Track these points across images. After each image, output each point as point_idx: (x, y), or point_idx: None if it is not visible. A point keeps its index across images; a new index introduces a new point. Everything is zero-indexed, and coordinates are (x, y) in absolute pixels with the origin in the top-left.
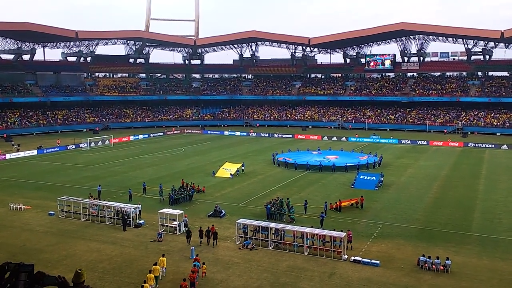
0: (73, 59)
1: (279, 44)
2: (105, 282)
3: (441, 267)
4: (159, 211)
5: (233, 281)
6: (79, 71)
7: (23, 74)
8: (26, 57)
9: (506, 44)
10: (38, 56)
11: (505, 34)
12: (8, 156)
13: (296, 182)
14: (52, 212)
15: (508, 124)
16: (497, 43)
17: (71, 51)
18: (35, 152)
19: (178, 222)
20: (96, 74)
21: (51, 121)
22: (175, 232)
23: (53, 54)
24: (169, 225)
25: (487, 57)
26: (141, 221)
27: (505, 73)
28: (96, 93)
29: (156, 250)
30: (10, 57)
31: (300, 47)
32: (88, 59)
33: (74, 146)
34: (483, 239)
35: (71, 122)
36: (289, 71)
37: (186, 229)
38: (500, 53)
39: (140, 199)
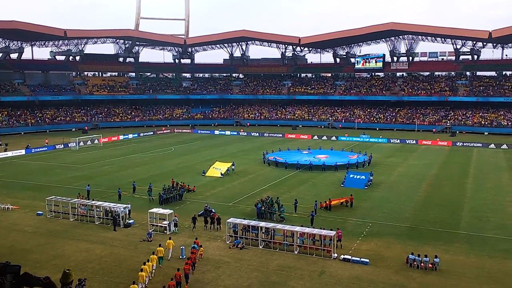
0: (62, 58)
1: (269, 43)
2: (95, 282)
3: (430, 265)
4: (149, 210)
5: (223, 281)
6: (68, 70)
7: (11, 73)
8: (14, 55)
9: (494, 44)
10: (26, 55)
11: (493, 34)
12: None
13: (286, 181)
14: (40, 212)
15: (496, 124)
16: (485, 43)
17: (60, 50)
18: (23, 151)
19: (168, 222)
20: (85, 73)
21: (40, 120)
22: (165, 231)
23: (42, 52)
24: (159, 224)
25: (475, 57)
26: (131, 221)
27: (493, 73)
28: (85, 92)
29: (145, 250)
30: None
31: (291, 46)
32: (77, 58)
33: (62, 146)
34: (471, 237)
35: (59, 121)
36: (280, 70)
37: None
38: (488, 53)
39: (130, 198)
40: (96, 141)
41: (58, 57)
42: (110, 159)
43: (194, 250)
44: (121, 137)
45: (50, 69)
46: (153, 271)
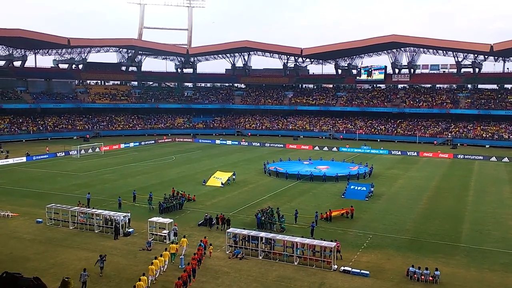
0: (65, 66)
1: (271, 54)
2: None
3: (430, 278)
4: (149, 219)
5: None
6: (70, 78)
7: (13, 80)
8: (17, 63)
9: (495, 58)
10: (29, 62)
11: (495, 48)
12: None
13: (287, 191)
14: (40, 220)
15: (497, 137)
16: (486, 56)
17: (63, 58)
18: (24, 159)
19: (168, 231)
20: (88, 81)
21: (41, 128)
22: (165, 241)
23: (45, 61)
24: (159, 233)
25: (477, 70)
26: (130, 230)
27: (494, 86)
28: (87, 101)
29: (145, 259)
30: (1, 63)
31: (293, 57)
32: (80, 66)
33: (64, 154)
34: (472, 250)
35: (61, 129)
36: (281, 81)
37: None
38: (490, 66)
39: (130, 207)
40: (97, 149)
41: (61, 65)
42: (111, 168)
43: (200, 247)
44: (122, 145)
45: (53, 77)
46: (165, 266)
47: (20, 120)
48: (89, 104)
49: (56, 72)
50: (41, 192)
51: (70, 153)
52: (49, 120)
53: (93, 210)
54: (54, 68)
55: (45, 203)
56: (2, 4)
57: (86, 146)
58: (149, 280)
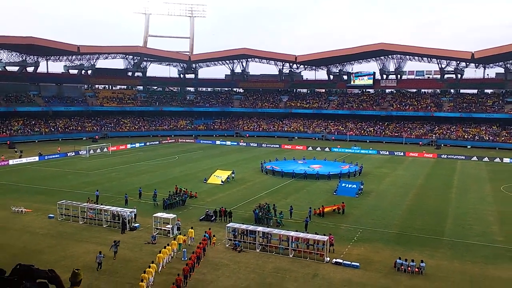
0: (75, 71)
1: (268, 60)
2: (101, 282)
3: (416, 269)
4: (154, 215)
5: (222, 282)
6: (80, 83)
7: (27, 85)
8: (30, 69)
9: (476, 64)
10: (42, 68)
11: (476, 55)
12: (11, 162)
13: (282, 189)
14: (51, 215)
15: (478, 138)
16: (468, 63)
17: (73, 64)
18: (36, 158)
19: (171, 226)
20: (96, 86)
21: (53, 129)
22: (168, 235)
23: (56, 66)
24: (163, 228)
25: (459, 76)
26: (136, 224)
27: (475, 91)
28: (96, 104)
29: (150, 252)
30: (15, 69)
31: (287, 64)
32: (89, 72)
33: (74, 153)
34: (455, 243)
35: (71, 130)
36: (277, 86)
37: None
38: (471, 72)
39: (136, 203)
40: (105, 150)
41: (71, 71)
42: (118, 166)
43: (205, 238)
44: (129, 146)
45: (64, 82)
46: (174, 254)
47: (33, 122)
48: (97, 107)
49: (66, 77)
50: (53, 189)
51: (80, 153)
52: (60, 122)
53: (102, 206)
54: (65, 73)
55: (56, 199)
56: (18, 14)
57: (95, 146)
58: (159, 267)
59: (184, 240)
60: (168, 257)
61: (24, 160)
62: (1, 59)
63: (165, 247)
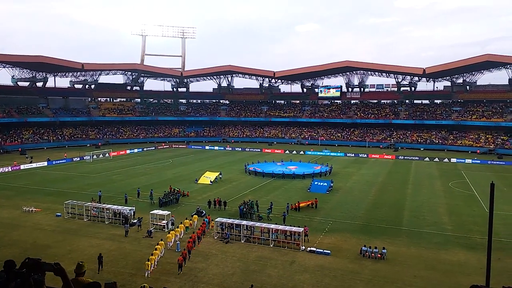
0: (80, 86)
1: (250, 76)
2: (104, 272)
3: (379, 255)
4: (150, 212)
5: (211, 270)
6: (84, 96)
7: (36, 98)
8: (39, 84)
9: (427, 78)
10: (50, 83)
11: (427, 71)
12: (22, 166)
13: (263, 187)
14: (59, 214)
15: (429, 141)
16: (420, 78)
17: (78, 79)
18: (45, 163)
19: (166, 221)
20: (99, 98)
21: (60, 137)
22: (164, 229)
23: (63, 81)
24: (159, 223)
25: (413, 88)
26: (135, 221)
27: (427, 101)
28: (98, 115)
29: (147, 245)
30: (26, 84)
31: (267, 78)
32: (92, 86)
33: (79, 158)
34: (411, 232)
35: (76, 138)
36: (258, 98)
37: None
38: (423, 85)
39: (134, 202)
40: (107, 155)
41: (76, 86)
42: (118, 170)
43: (204, 222)
44: (128, 151)
45: (69, 95)
46: (181, 236)
47: (42, 131)
48: (100, 118)
49: (72, 91)
50: (60, 190)
51: (84, 158)
52: (66, 131)
53: (104, 205)
54: (71, 88)
55: (63, 199)
56: (29, 35)
57: (98, 152)
58: (163, 250)
59: (190, 224)
60: (176, 236)
61: (34, 165)
62: (13, 76)
63: (169, 232)
